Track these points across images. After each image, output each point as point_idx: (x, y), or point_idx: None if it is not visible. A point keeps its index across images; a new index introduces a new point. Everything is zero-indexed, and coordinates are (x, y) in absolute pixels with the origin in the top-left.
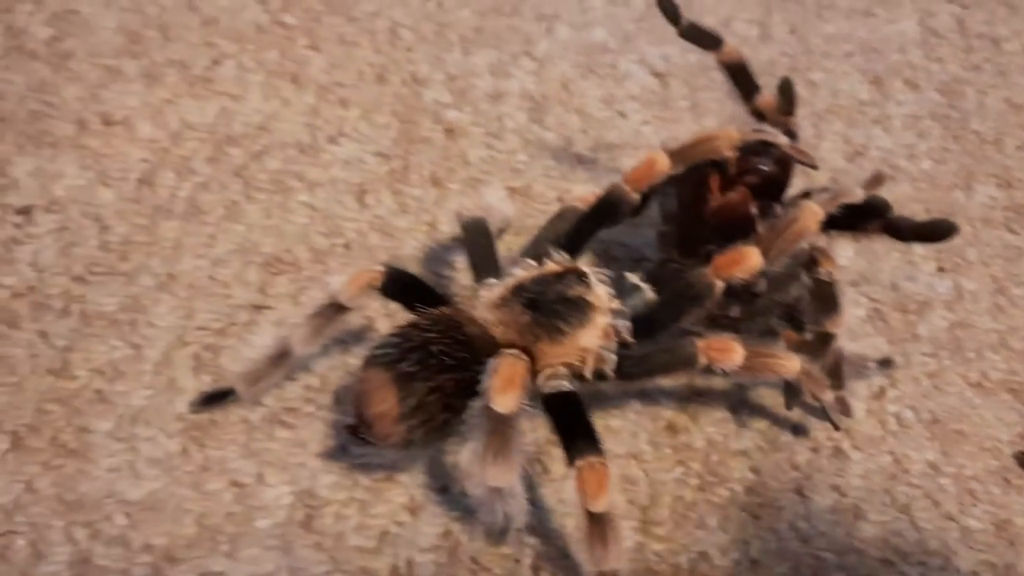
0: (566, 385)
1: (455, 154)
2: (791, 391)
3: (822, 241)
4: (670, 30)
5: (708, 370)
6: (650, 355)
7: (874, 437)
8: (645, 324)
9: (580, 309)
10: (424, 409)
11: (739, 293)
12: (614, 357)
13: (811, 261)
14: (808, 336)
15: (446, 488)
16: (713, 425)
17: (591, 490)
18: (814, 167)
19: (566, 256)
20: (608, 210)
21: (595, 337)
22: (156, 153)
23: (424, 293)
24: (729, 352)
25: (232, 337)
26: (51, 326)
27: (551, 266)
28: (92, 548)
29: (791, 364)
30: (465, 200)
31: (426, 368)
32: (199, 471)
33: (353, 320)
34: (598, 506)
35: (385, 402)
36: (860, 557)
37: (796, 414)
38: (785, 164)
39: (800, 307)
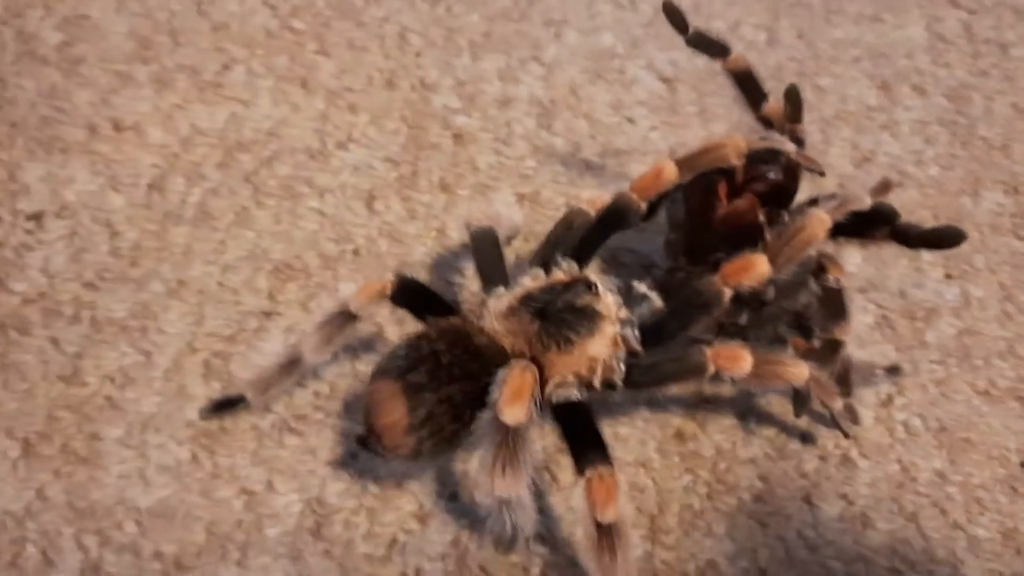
0: (575, 394)
1: (464, 160)
2: (799, 399)
3: (830, 248)
4: (678, 35)
5: (716, 378)
6: (659, 364)
7: (882, 445)
8: (653, 333)
9: (589, 318)
10: (433, 420)
11: (747, 301)
12: (623, 366)
13: (819, 268)
14: (817, 343)
15: (455, 496)
16: (721, 433)
17: (600, 500)
18: (822, 174)
19: (574, 265)
20: (615, 219)
21: (604, 346)
22: (166, 159)
23: (434, 302)
24: (738, 360)
25: (242, 344)
26: (62, 332)
27: (559, 275)
28: (102, 555)
29: (800, 371)
30: (474, 206)
31: (435, 379)
32: (209, 478)
33: (363, 327)
34: (607, 516)
35: (394, 413)
36: (868, 566)
37: (804, 422)
38: (793, 172)
39: (809, 314)
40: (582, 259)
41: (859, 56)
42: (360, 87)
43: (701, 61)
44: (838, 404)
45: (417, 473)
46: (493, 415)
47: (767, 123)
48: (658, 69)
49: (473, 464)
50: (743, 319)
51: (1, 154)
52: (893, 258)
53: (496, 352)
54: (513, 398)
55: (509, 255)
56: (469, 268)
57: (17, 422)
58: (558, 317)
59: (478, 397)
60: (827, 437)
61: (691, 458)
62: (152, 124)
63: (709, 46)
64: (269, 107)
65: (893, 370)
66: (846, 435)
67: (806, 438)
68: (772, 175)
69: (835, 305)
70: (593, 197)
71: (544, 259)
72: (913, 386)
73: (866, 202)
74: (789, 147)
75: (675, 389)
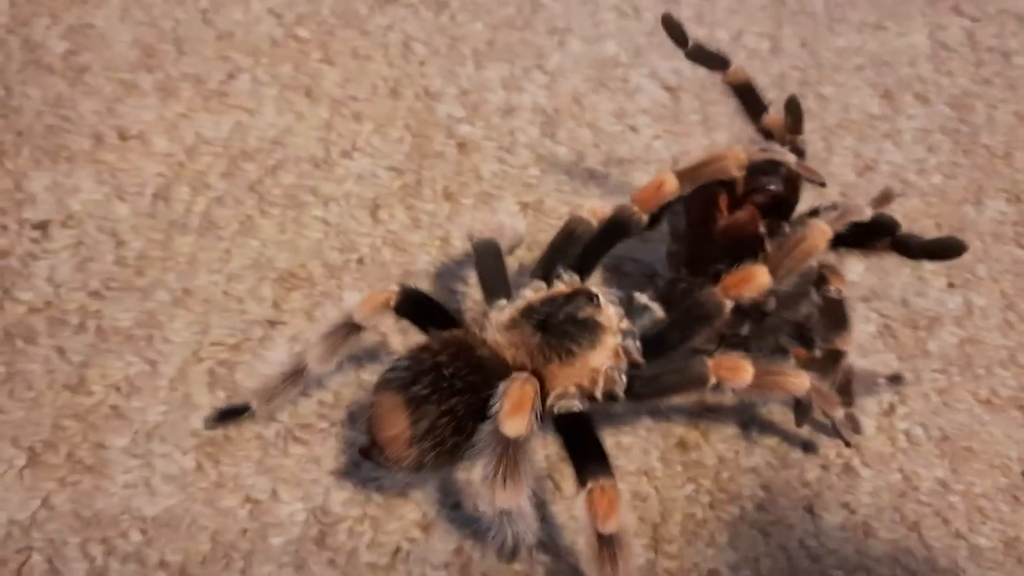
0: (577, 406)
1: (468, 169)
2: (801, 408)
3: (832, 258)
4: (678, 49)
5: (718, 388)
6: (660, 375)
7: (884, 454)
8: (655, 344)
9: (590, 330)
10: (435, 432)
11: (749, 311)
12: (624, 377)
13: (820, 279)
14: (818, 353)
15: (458, 505)
16: (724, 442)
17: (601, 512)
18: (822, 184)
19: (575, 277)
20: (616, 230)
21: (605, 358)
22: (171, 168)
23: (437, 313)
24: (739, 371)
25: (247, 353)
26: (68, 341)
27: (561, 287)
28: (108, 564)
29: (801, 381)
30: (477, 215)
31: (437, 391)
32: (214, 487)
33: (367, 337)
34: (608, 527)
35: (397, 425)
36: (869, 575)
37: (806, 431)
38: (793, 183)
39: (810, 324)
40: (584, 271)
41: (862, 64)
42: (364, 96)
43: (704, 70)
44: (839, 413)
45: (420, 482)
46: (494, 427)
47: (767, 134)
48: (661, 78)
49: (476, 473)
50: (744, 330)
51: (7, 163)
52: (895, 267)
53: (498, 364)
54: (513, 410)
55: (512, 264)
56: (473, 277)
57: (23, 431)
58: (560, 329)
59: (480, 409)
60: (829, 446)
61: (694, 467)
62: (157, 133)
63: (709, 59)
64: (274, 116)
65: (895, 379)
66: (848, 444)
67: (808, 447)
68: (773, 186)
69: (836, 315)
70: (595, 207)
71: (546, 270)
72: (915, 395)
73: (867, 213)
74: (789, 158)
75: (677, 399)
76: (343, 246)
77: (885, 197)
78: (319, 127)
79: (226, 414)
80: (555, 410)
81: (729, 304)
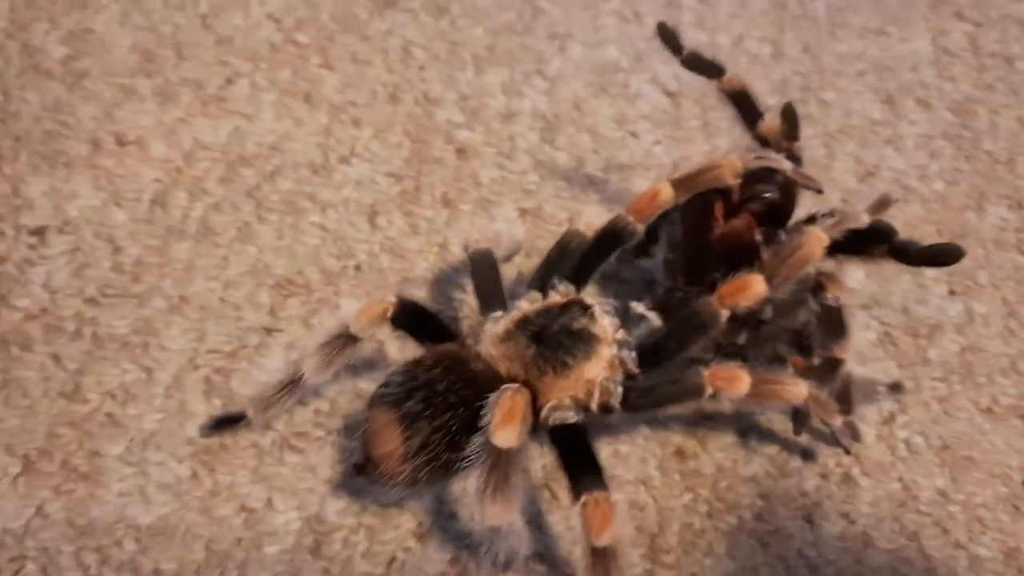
0: (572, 417)
1: (467, 174)
2: (799, 416)
3: (831, 265)
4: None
5: (714, 398)
6: (656, 386)
7: (883, 463)
8: (651, 354)
9: (585, 341)
10: (429, 448)
11: (745, 320)
12: (620, 389)
13: (818, 286)
14: (816, 361)
15: (454, 514)
16: (722, 451)
17: (595, 525)
18: (819, 191)
19: (571, 287)
20: (612, 240)
21: (601, 369)
22: (169, 173)
23: (433, 325)
24: (735, 381)
25: (243, 360)
26: (63, 349)
27: (555, 298)
28: (102, 573)
29: (798, 390)
30: (476, 221)
31: (431, 407)
32: (209, 496)
33: (364, 346)
34: (602, 540)
35: (391, 442)
36: None
37: (805, 439)
38: (789, 190)
39: (808, 332)
40: (579, 281)
41: (864, 70)
42: (363, 101)
43: None
44: (837, 422)
45: (416, 496)
46: (485, 439)
47: (764, 142)
48: (662, 83)
49: (471, 484)
50: (742, 339)
51: (5, 168)
52: (896, 274)
53: (491, 377)
54: (504, 421)
55: (511, 270)
56: (470, 284)
57: (18, 439)
58: (554, 341)
59: (474, 424)
60: (828, 455)
61: (691, 476)
62: (155, 138)
63: (704, 67)
64: (272, 121)
65: (895, 387)
66: (847, 452)
67: (807, 456)
68: (768, 194)
69: (834, 323)
70: (590, 221)
71: (542, 282)
72: (915, 403)
73: (864, 219)
74: (786, 165)
75: (674, 409)
76: (341, 252)
77: (883, 203)
78: (318, 133)
79: (222, 422)
80: (550, 422)
81: (724, 314)
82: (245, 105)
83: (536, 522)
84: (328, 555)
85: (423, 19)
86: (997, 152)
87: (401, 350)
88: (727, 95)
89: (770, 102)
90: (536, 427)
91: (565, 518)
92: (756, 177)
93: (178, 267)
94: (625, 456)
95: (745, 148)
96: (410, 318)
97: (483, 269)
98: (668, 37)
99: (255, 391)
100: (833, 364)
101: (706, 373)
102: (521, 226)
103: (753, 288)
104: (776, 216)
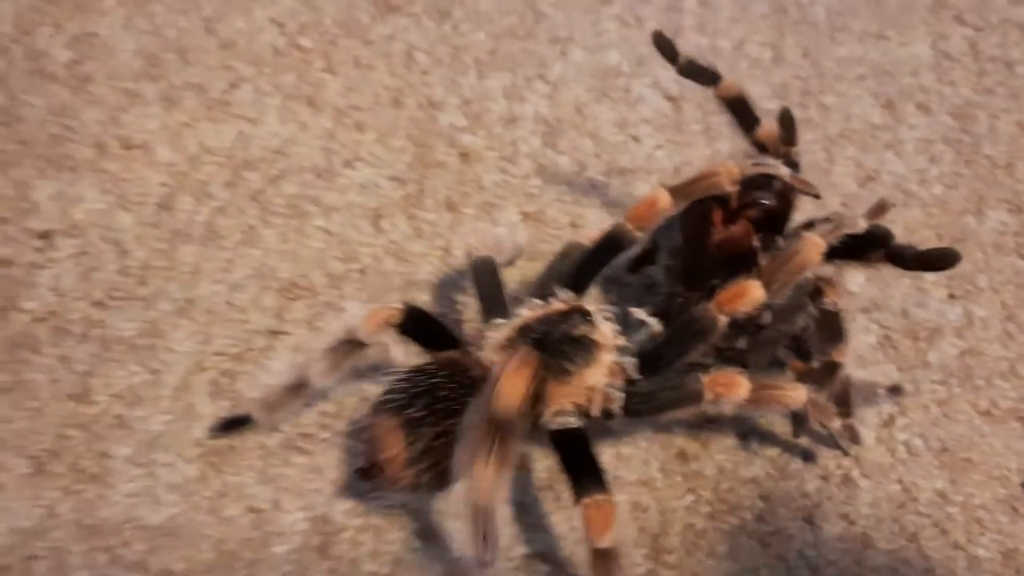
0: (573, 422)
1: (470, 178)
2: (798, 420)
3: (830, 270)
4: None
5: (714, 403)
6: (657, 392)
7: (883, 465)
8: (651, 360)
9: (585, 348)
10: (431, 453)
11: (744, 325)
12: (621, 395)
13: (816, 291)
14: (815, 365)
15: (459, 515)
16: (723, 453)
17: (596, 528)
18: (817, 196)
19: (571, 294)
20: (611, 248)
21: (601, 375)
22: (174, 177)
23: (438, 332)
24: (734, 386)
25: (249, 362)
26: (71, 351)
27: (556, 305)
28: (111, 573)
29: (797, 395)
30: (479, 225)
31: (433, 413)
32: (217, 497)
33: (369, 349)
34: (603, 542)
35: (393, 447)
36: None
37: (805, 441)
38: (786, 196)
39: (807, 337)
40: (579, 288)
41: (864, 74)
42: (367, 105)
43: None
44: (836, 425)
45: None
46: (483, 410)
47: (761, 147)
48: (663, 87)
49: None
50: (741, 343)
51: (11, 172)
52: (896, 278)
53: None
54: (508, 379)
55: (513, 275)
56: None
57: (27, 440)
58: (555, 348)
59: None
60: (828, 457)
61: (693, 478)
62: (160, 142)
63: (700, 74)
64: (276, 125)
65: (895, 390)
66: (846, 453)
67: (808, 458)
68: (766, 200)
69: (832, 328)
70: (590, 233)
71: (543, 290)
72: (915, 406)
73: (861, 225)
74: (783, 171)
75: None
76: (345, 256)
77: (880, 208)
78: (321, 137)
79: (229, 424)
80: (551, 426)
81: (723, 320)
82: (249, 109)
83: (540, 523)
84: (335, 555)
85: (425, 24)
86: (997, 156)
87: (406, 353)
88: (724, 102)
89: (770, 106)
90: (537, 430)
91: (568, 519)
92: (754, 184)
93: (184, 270)
94: (628, 458)
95: (744, 154)
96: (416, 325)
97: (485, 276)
98: (664, 45)
99: (261, 393)
100: (832, 368)
101: (705, 379)
102: (523, 230)
103: (751, 294)
104: (774, 222)
